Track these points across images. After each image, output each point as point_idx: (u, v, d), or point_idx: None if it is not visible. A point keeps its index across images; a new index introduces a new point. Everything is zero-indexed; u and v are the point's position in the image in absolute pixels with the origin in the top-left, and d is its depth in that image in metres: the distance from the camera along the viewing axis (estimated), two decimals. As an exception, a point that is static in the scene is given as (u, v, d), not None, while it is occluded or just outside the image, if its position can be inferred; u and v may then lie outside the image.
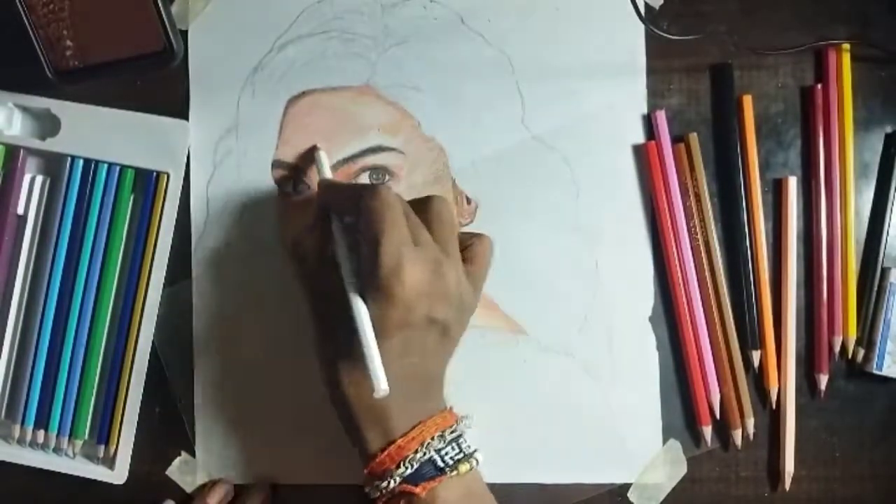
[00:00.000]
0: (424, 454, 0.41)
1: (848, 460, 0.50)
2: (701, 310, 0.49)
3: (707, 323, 0.49)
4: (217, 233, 0.51)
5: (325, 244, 0.44)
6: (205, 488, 0.50)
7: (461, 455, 0.42)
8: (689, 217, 0.50)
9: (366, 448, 0.42)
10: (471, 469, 0.42)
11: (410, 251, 0.40)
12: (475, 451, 0.43)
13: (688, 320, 0.49)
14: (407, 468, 0.41)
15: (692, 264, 0.50)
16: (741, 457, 0.50)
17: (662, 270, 0.50)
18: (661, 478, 0.50)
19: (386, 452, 0.41)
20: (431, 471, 0.41)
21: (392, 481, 0.41)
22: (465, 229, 0.50)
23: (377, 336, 0.40)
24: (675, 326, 0.50)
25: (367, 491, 0.43)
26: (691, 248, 0.50)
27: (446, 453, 0.42)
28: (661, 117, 0.49)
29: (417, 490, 0.41)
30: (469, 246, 0.44)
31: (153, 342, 0.50)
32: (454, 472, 0.41)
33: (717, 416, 0.49)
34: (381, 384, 0.39)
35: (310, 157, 0.50)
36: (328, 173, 0.48)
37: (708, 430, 0.49)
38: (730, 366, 0.49)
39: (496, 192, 0.50)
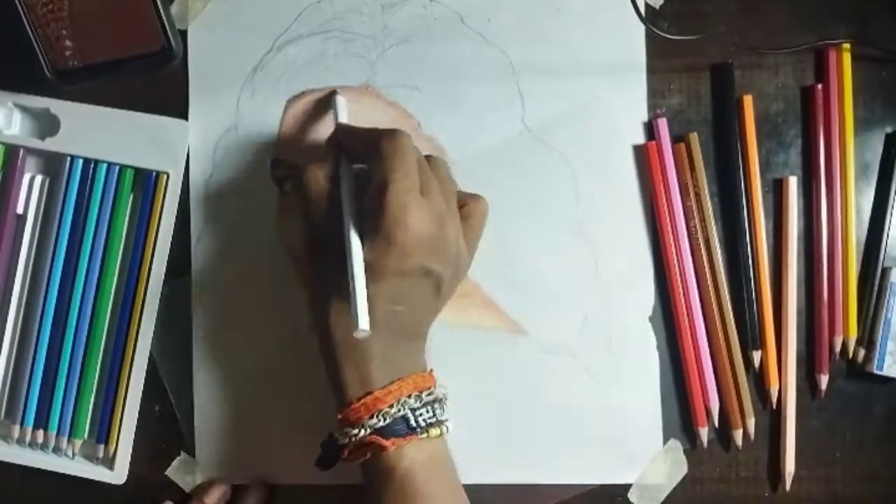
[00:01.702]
0: (399, 410, 0.41)
1: (848, 460, 0.50)
2: (701, 310, 0.49)
3: (707, 323, 0.49)
4: (216, 232, 0.51)
5: (331, 184, 0.44)
6: (202, 488, 0.50)
7: (434, 419, 0.42)
8: (689, 217, 0.50)
9: (343, 392, 0.42)
10: (440, 435, 0.43)
11: (417, 199, 0.40)
12: (447, 419, 0.43)
13: (687, 321, 0.49)
14: (379, 421, 0.41)
15: (692, 264, 0.50)
16: (741, 457, 0.50)
17: (662, 270, 0.50)
18: (661, 478, 0.50)
19: (362, 402, 0.41)
20: (403, 428, 0.41)
21: (362, 430, 0.41)
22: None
23: (369, 278, 0.40)
24: (674, 326, 0.50)
25: (335, 436, 0.43)
26: (691, 248, 0.50)
27: (420, 414, 0.42)
28: (663, 124, 0.49)
29: (387, 444, 0.41)
30: (465, 205, 0.45)
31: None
32: (424, 434, 0.42)
33: (716, 418, 0.49)
34: (362, 322, 0.39)
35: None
36: (345, 118, 0.48)
37: (704, 432, 0.49)
38: (730, 366, 0.49)
39: (496, 191, 0.50)
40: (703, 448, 0.50)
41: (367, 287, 0.40)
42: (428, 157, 0.44)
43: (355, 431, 0.42)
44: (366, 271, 0.40)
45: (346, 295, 0.40)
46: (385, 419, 0.41)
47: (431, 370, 0.45)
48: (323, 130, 0.50)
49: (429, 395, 0.43)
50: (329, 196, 0.44)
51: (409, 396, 0.42)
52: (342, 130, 0.46)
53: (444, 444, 0.44)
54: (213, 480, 0.50)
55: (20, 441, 0.50)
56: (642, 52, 0.50)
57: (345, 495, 0.50)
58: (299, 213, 0.44)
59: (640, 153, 0.50)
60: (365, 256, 0.41)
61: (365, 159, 0.43)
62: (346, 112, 0.49)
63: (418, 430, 0.42)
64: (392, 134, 0.41)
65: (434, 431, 0.42)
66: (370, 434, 0.41)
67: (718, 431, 0.50)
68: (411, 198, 0.40)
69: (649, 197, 0.50)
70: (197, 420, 0.50)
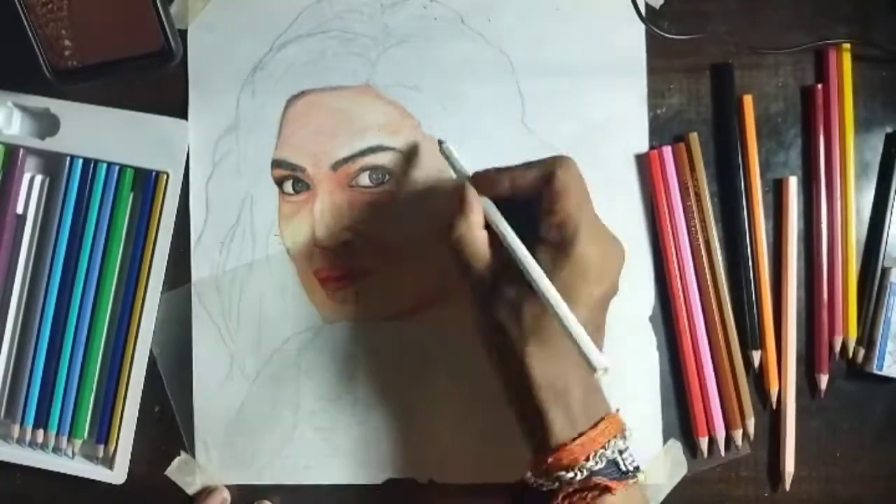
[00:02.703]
0: (612, 452, 0.40)
1: (848, 460, 0.50)
2: (701, 310, 0.49)
3: (707, 323, 0.49)
4: (217, 232, 0.51)
5: (486, 232, 0.43)
6: (202, 495, 0.50)
7: (636, 463, 0.41)
8: (689, 217, 0.50)
9: (548, 436, 0.40)
10: (643, 479, 0.41)
11: (599, 226, 0.41)
12: (639, 464, 0.41)
13: (687, 321, 0.49)
14: (597, 462, 0.39)
15: (692, 264, 0.50)
16: (742, 457, 0.50)
17: (662, 270, 0.50)
18: (661, 478, 0.50)
19: (577, 442, 0.39)
20: (615, 472, 0.40)
21: (579, 474, 0.39)
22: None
23: (575, 311, 0.39)
24: (674, 327, 0.50)
25: (534, 481, 0.41)
26: (691, 248, 0.50)
27: (627, 457, 0.40)
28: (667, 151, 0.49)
29: (615, 485, 0.39)
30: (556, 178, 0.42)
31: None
32: (634, 479, 0.40)
33: (715, 429, 0.49)
34: (602, 360, 0.38)
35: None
36: (466, 167, 0.46)
37: (704, 441, 0.49)
38: (730, 366, 0.49)
39: (496, 191, 0.50)
40: (699, 458, 0.50)
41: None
42: (553, 160, 0.43)
43: (570, 475, 0.39)
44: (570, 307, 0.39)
45: (546, 336, 0.40)
46: (602, 460, 0.39)
47: (618, 409, 0.43)
48: (323, 130, 0.50)
49: (630, 434, 0.42)
50: (488, 245, 0.43)
51: (617, 437, 0.40)
52: (484, 177, 0.44)
53: (640, 489, 0.42)
54: (212, 488, 0.50)
55: (20, 441, 0.50)
56: (642, 52, 0.50)
57: (345, 495, 0.50)
58: (459, 272, 0.43)
59: (641, 154, 0.50)
60: (563, 290, 0.39)
61: (528, 194, 0.42)
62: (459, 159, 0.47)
63: (629, 474, 0.40)
64: (566, 161, 0.42)
65: (641, 476, 0.41)
66: (587, 477, 0.39)
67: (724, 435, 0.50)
68: (597, 225, 0.41)
69: (649, 197, 0.50)
70: (197, 420, 0.50)
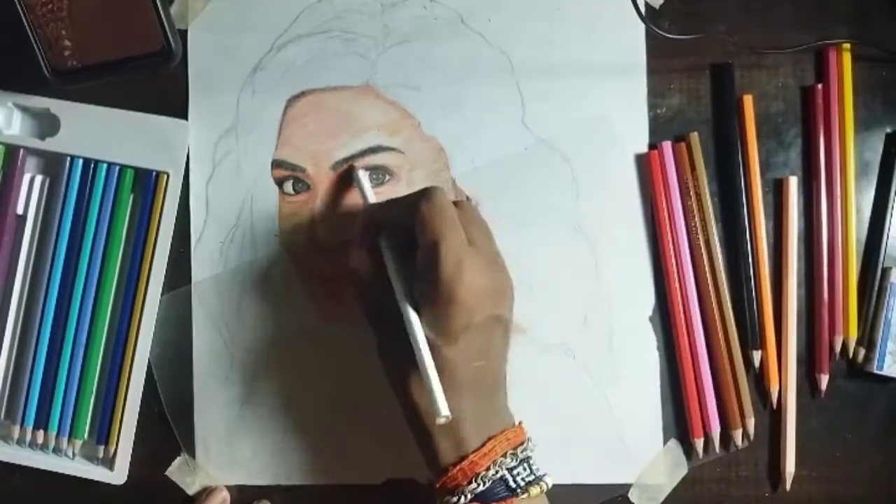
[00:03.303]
0: (496, 472, 0.40)
1: (849, 460, 0.50)
2: (701, 309, 0.49)
3: (707, 322, 0.49)
4: (217, 233, 0.51)
5: (375, 262, 0.44)
6: (202, 495, 0.50)
7: (532, 477, 0.41)
8: (689, 217, 0.50)
9: (437, 460, 0.41)
10: (541, 492, 0.41)
11: (468, 252, 0.40)
12: (545, 474, 0.41)
13: (687, 321, 0.49)
14: (479, 485, 0.39)
15: (692, 264, 0.50)
16: (742, 457, 0.50)
17: (662, 270, 0.50)
18: (661, 478, 0.50)
19: (458, 467, 0.40)
20: (503, 490, 0.40)
21: (462, 498, 0.39)
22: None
23: (443, 343, 0.40)
24: (674, 327, 0.50)
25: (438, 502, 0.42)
26: (692, 248, 0.50)
27: (518, 473, 0.40)
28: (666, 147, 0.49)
29: None
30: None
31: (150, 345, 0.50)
32: (525, 494, 0.40)
33: (711, 428, 0.49)
34: (442, 410, 0.38)
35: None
36: (372, 196, 0.48)
37: (700, 443, 0.49)
38: (730, 366, 0.49)
39: (496, 191, 0.50)
40: (694, 460, 0.50)
41: (443, 351, 0.40)
42: (455, 203, 0.43)
43: (455, 499, 0.40)
44: (438, 335, 0.40)
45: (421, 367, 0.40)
46: (484, 482, 0.39)
47: (520, 422, 0.43)
48: (323, 130, 0.50)
49: (523, 450, 0.41)
50: (378, 272, 0.43)
51: (505, 455, 0.40)
52: (375, 208, 0.46)
53: (544, 501, 0.42)
54: (212, 488, 0.50)
55: (20, 441, 0.50)
56: (642, 52, 0.50)
57: (345, 495, 0.50)
58: (355, 295, 0.45)
59: (641, 154, 0.50)
60: (432, 322, 0.40)
61: (404, 228, 0.42)
62: (370, 187, 0.49)
63: (518, 490, 0.40)
64: (428, 194, 0.41)
65: (534, 490, 0.40)
66: (471, 501, 0.39)
67: (720, 433, 0.50)
68: (463, 252, 0.39)
69: (649, 196, 0.50)
70: (197, 421, 0.50)
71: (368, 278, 0.44)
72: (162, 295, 0.50)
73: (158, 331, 0.50)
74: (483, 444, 0.40)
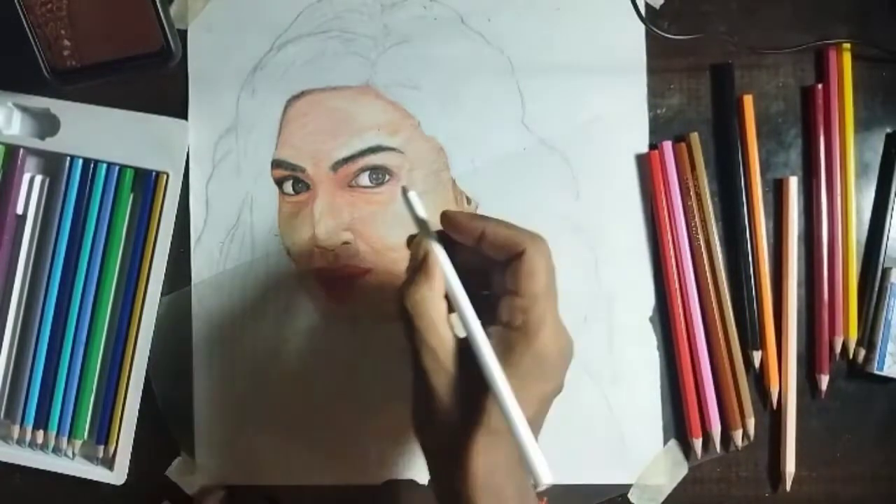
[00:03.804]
0: None
1: (849, 461, 0.50)
2: (701, 310, 0.49)
3: (707, 322, 0.49)
4: (216, 233, 0.51)
5: (444, 303, 0.37)
6: (199, 494, 0.50)
7: None
8: (689, 217, 0.50)
9: None
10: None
11: (559, 318, 0.37)
12: None
13: (687, 321, 0.49)
14: None
15: (692, 264, 0.50)
16: (742, 457, 0.50)
17: (663, 270, 0.50)
18: (661, 478, 0.50)
19: None
20: None
21: None
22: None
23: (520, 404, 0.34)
24: (674, 327, 0.50)
25: None
26: (692, 248, 0.50)
27: None
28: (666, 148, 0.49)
29: None
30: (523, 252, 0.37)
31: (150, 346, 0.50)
32: None
33: (711, 428, 0.49)
34: (547, 475, 0.33)
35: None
36: (428, 222, 0.39)
37: (698, 443, 0.49)
38: (730, 366, 0.49)
39: (496, 191, 0.50)
40: (692, 460, 0.50)
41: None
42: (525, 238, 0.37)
43: None
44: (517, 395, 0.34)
45: (491, 431, 0.35)
46: None
47: (545, 499, 0.41)
48: (323, 130, 0.50)
49: None
50: (446, 318, 0.37)
51: None
52: (458, 219, 0.38)
53: None
54: (210, 488, 0.50)
55: (20, 441, 0.50)
56: (642, 52, 0.50)
57: (345, 495, 0.50)
58: (408, 340, 0.37)
59: (641, 154, 0.50)
60: (516, 384, 0.34)
61: (488, 256, 0.37)
62: (423, 208, 0.40)
63: None
64: (538, 240, 0.36)
65: None
66: None
67: (720, 432, 0.50)
68: (557, 316, 0.36)
69: (649, 196, 0.50)
70: (197, 421, 0.50)
71: (438, 318, 0.36)
72: (162, 295, 0.50)
73: (158, 330, 0.50)
74: None
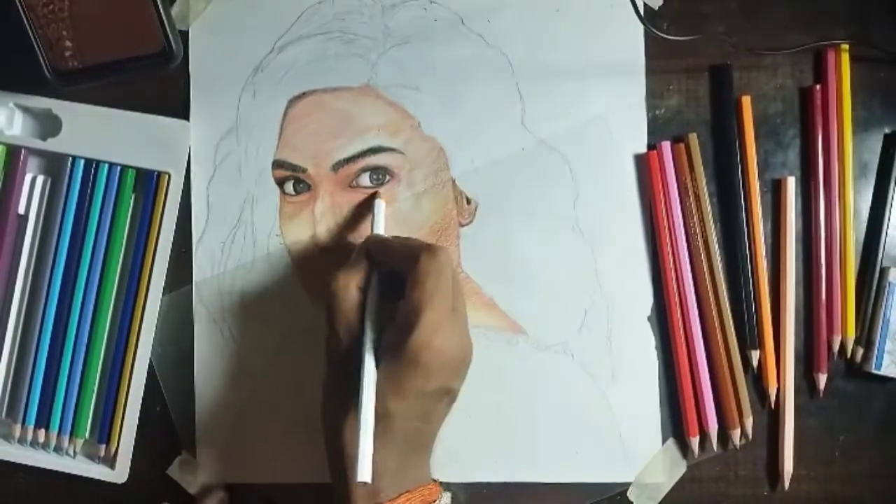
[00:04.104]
0: None
1: (847, 460, 0.50)
2: (699, 309, 0.50)
3: (706, 322, 0.50)
4: (218, 233, 0.51)
5: (362, 295, 0.43)
6: (200, 494, 0.50)
7: None
8: (688, 217, 0.50)
9: (348, 502, 0.41)
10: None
11: (447, 322, 0.40)
12: None
13: (685, 321, 0.49)
14: None
15: (691, 264, 0.50)
16: (740, 456, 0.50)
17: (661, 271, 0.50)
18: (660, 477, 0.50)
19: None
20: None
21: None
22: (465, 229, 0.50)
23: (391, 395, 0.40)
24: (672, 327, 0.50)
25: None
26: (690, 248, 0.50)
27: None
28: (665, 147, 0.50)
29: None
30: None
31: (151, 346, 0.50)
32: None
33: (709, 428, 0.49)
34: (365, 474, 0.38)
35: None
36: (381, 228, 0.48)
37: (695, 441, 0.49)
38: (728, 366, 0.49)
39: (496, 191, 0.50)
40: (690, 459, 0.50)
41: (389, 402, 0.39)
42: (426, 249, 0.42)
43: None
44: (389, 387, 0.40)
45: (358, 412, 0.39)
46: None
47: (436, 480, 0.44)
48: (323, 131, 0.50)
49: (445, 502, 0.42)
50: (359, 307, 0.43)
51: None
52: (377, 242, 0.45)
53: None
54: (210, 486, 0.50)
55: (21, 440, 0.50)
56: (641, 53, 0.50)
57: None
58: (326, 320, 0.43)
59: (640, 154, 0.50)
60: (390, 373, 0.40)
61: (399, 271, 0.42)
62: (384, 219, 0.48)
63: None
64: (432, 251, 0.41)
65: None
66: None
67: (717, 431, 0.50)
68: (443, 320, 0.40)
69: (648, 197, 0.50)
70: (198, 420, 0.51)
71: (343, 306, 0.42)
72: (163, 294, 0.50)
73: (160, 330, 0.50)
74: (398, 497, 0.41)
